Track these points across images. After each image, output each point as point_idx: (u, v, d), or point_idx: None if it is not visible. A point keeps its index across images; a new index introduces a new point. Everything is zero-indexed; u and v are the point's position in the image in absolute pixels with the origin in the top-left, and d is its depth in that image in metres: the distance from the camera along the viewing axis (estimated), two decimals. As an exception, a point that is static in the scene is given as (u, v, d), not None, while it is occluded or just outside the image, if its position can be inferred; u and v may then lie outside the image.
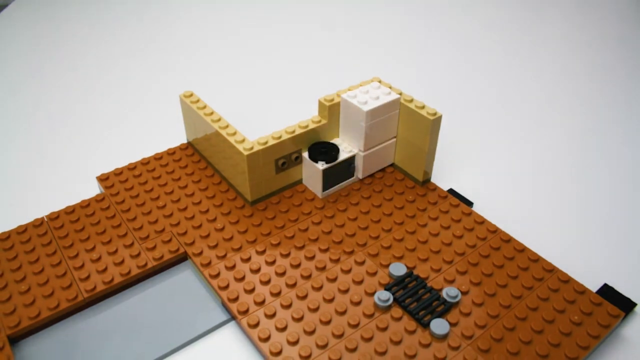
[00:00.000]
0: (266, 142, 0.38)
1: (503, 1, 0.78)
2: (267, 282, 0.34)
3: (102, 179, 0.42)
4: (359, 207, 0.39)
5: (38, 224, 0.38)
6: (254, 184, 0.38)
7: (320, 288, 0.33)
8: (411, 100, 0.40)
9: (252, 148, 0.37)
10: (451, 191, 0.41)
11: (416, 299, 0.33)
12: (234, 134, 0.39)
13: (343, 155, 0.40)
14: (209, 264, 0.35)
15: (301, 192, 0.40)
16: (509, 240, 0.37)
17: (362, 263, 0.35)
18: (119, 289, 0.34)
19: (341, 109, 0.41)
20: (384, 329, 0.31)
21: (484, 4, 0.77)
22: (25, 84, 0.59)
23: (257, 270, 0.34)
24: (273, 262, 0.35)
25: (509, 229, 0.39)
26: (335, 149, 0.39)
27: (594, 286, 0.35)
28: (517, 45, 0.66)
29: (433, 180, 0.44)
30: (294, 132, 0.39)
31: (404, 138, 0.41)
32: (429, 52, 0.64)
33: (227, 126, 0.39)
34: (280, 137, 0.38)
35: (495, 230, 0.37)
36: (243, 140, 0.38)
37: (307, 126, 0.40)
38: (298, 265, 0.35)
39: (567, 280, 0.34)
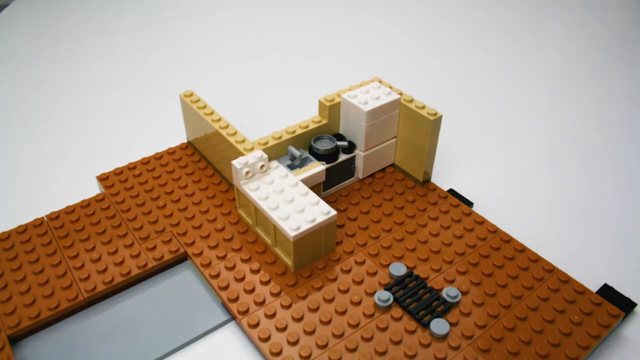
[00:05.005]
0: (266, 143, 0.38)
1: (503, 1, 0.78)
2: (267, 282, 0.34)
3: (102, 178, 0.42)
4: (359, 207, 0.39)
5: (38, 224, 0.38)
6: (254, 184, 0.38)
7: (320, 288, 0.33)
8: (411, 101, 0.40)
9: (252, 149, 0.37)
10: (451, 191, 0.41)
11: (416, 299, 0.33)
12: (234, 134, 0.39)
13: (343, 156, 0.40)
14: (209, 264, 0.35)
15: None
16: (509, 240, 0.37)
17: (362, 263, 0.35)
18: (119, 289, 0.34)
19: (341, 109, 0.41)
20: (384, 329, 0.31)
21: (484, 4, 0.77)
22: (25, 84, 0.59)
23: (257, 271, 0.34)
24: (273, 262, 0.35)
25: (509, 229, 0.39)
26: (336, 148, 0.39)
27: (594, 286, 0.35)
28: (517, 45, 0.66)
29: (433, 180, 0.44)
30: (294, 132, 0.39)
31: (404, 138, 0.41)
32: (429, 52, 0.64)
33: (227, 126, 0.39)
34: (280, 137, 0.38)
35: (495, 231, 0.37)
36: (243, 141, 0.38)
37: (307, 126, 0.40)
38: (298, 265, 0.35)
39: (567, 280, 0.34)
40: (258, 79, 0.59)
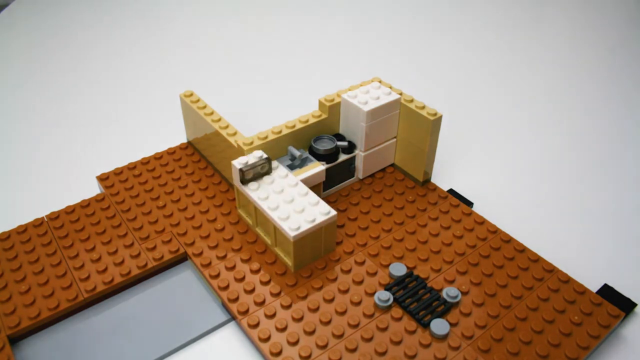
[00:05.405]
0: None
1: (503, 1, 0.78)
2: (267, 282, 0.34)
3: (102, 178, 0.42)
4: (359, 207, 0.39)
5: (38, 224, 0.38)
6: (254, 184, 0.38)
7: (320, 288, 0.33)
8: (411, 101, 0.40)
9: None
10: (451, 191, 0.41)
11: (416, 299, 0.33)
12: (234, 134, 0.39)
13: (343, 156, 0.40)
14: (209, 265, 0.35)
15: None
16: (509, 240, 0.37)
17: (362, 263, 0.35)
18: (119, 289, 0.34)
19: (341, 109, 0.41)
20: (384, 329, 0.31)
21: (484, 4, 0.77)
22: (25, 84, 0.59)
23: (257, 271, 0.34)
24: (273, 262, 0.35)
25: (509, 229, 0.39)
26: (336, 148, 0.39)
27: (594, 286, 0.35)
28: (517, 45, 0.66)
29: (433, 180, 0.44)
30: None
31: (404, 138, 0.41)
32: (429, 52, 0.64)
33: (227, 126, 0.39)
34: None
35: (495, 231, 0.37)
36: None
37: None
38: (298, 266, 0.35)
39: (567, 280, 0.34)
40: (258, 79, 0.59)
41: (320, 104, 0.40)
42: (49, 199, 0.43)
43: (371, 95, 0.40)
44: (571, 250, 0.38)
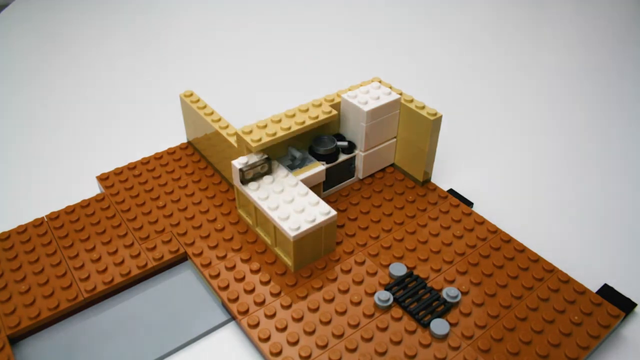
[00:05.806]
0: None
1: (503, 1, 0.78)
2: (267, 282, 0.34)
3: (102, 178, 0.42)
4: (359, 207, 0.39)
5: (38, 224, 0.38)
6: (254, 184, 0.38)
7: (320, 288, 0.33)
8: (411, 101, 0.40)
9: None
10: (451, 191, 0.41)
11: (416, 299, 0.33)
12: (234, 134, 0.39)
13: (343, 156, 0.40)
14: (209, 264, 0.35)
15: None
16: (509, 240, 0.37)
17: (362, 263, 0.35)
18: (119, 289, 0.34)
19: (341, 109, 0.41)
20: (384, 329, 0.31)
21: (484, 4, 0.77)
22: (25, 84, 0.59)
23: (257, 271, 0.34)
24: (273, 262, 0.35)
25: (509, 229, 0.39)
26: (337, 148, 0.39)
27: (594, 286, 0.35)
28: (517, 45, 0.66)
29: (433, 180, 0.44)
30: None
31: (404, 138, 0.41)
32: (429, 53, 0.64)
33: (227, 126, 0.39)
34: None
35: (495, 231, 0.37)
36: (243, 140, 0.38)
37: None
38: (298, 266, 0.35)
39: (567, 280, 0.34)
40: (258, 79, 0.59)
41: (320, 104, 0.40)
42: (49, 199, 0.43)
43: (371, 95, 0.40)
44: (571, 250, 0.38)
